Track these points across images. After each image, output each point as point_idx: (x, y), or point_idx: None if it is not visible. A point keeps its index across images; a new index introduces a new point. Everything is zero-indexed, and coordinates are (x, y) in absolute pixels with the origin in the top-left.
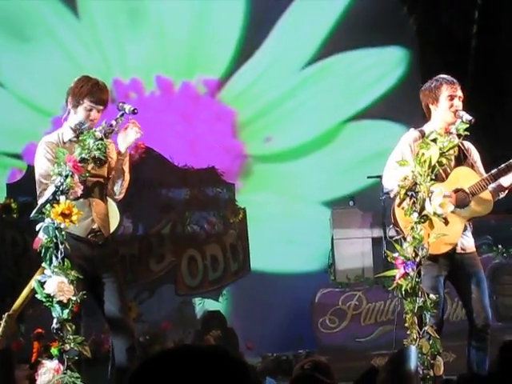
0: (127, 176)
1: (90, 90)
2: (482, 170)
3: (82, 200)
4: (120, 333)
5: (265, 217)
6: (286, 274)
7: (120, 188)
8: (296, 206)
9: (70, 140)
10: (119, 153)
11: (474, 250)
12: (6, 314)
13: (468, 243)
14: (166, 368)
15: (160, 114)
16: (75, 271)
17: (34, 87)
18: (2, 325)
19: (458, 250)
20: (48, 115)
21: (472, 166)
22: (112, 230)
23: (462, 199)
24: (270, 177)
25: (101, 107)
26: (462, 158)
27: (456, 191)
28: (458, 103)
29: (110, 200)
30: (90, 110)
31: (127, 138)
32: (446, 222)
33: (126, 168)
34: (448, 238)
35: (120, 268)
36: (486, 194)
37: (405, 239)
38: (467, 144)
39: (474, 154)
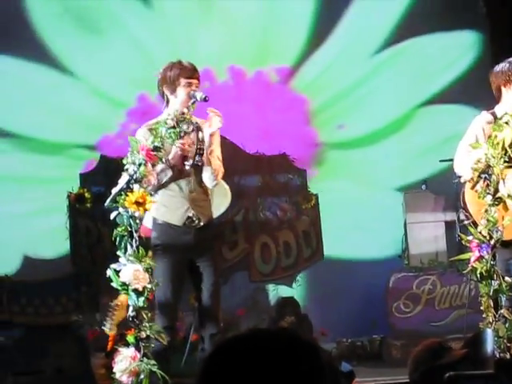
0: (216, 164)
1: (180, 69)
2: None
3: (176, 189)
4: (207, 319)
5: (338, 204)
6: (359, 261)
7: (210, 176)
8: (369, 192)
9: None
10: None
11: None
12: (115, 302)
13: None
14: (238, 351)
15: (233, 103)
16: (150, 259)
17: (107, 79)
18: (113, 313)
19: None
20: (122, 106)
21: None
22: (218, 213)
23: None
24: (343, 164)
25: (196, 80)
26: None
27: None
28: None
29: (221, 183)
30: (189, 85)
31: (210, 127)
32: None
33: (214, 157)
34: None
35: (217, 252)
36: None
37: (475, 224)
38: None
39: None
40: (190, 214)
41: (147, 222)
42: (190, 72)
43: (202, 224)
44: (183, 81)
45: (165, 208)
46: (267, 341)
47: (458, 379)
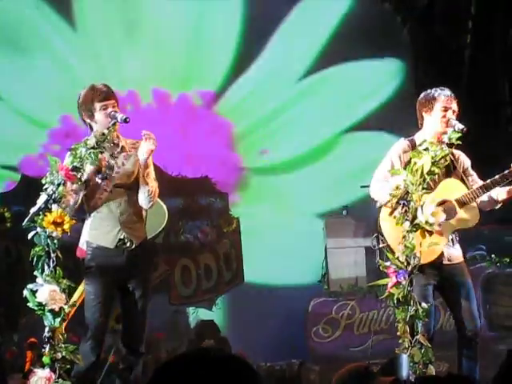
0: (151, 186)
1: (92, 94)
2: (474, 175)
3: (106, 211)
4: (133, 340)
5: (261, 229)
6: (279, 286)
7: (145, 197)
8: (291, 218)
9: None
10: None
11: (462, 260)
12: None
13: (454, 254)
14: (181, 373)
15: (156, 126)
16: (67, 280)
17: (30, 99)
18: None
19: (445, 262)
20: (44, 127)
21: (464, 174)
22: (153, 233)
23: (448, 210)
24: (266, 189)
25: (112, 101)
26: (451, 168)
27: (442, 202)
28: (452, 116)
29: (159, 203)
30: (105, 108)
31: (142, 149)
32: (430, 233)
33: (150, 178)
34: (433, 249)
35: (150, 274)
36: (473, 206)
37: (390, 248)
38: (457, 152)
39: (465, 161)
40: (122, 237)
41: (83, 244)
42: (104, 94)
43: (133, 246)
44: (98, 105)
45: (96, 231)
46: (212, 363)
47: None
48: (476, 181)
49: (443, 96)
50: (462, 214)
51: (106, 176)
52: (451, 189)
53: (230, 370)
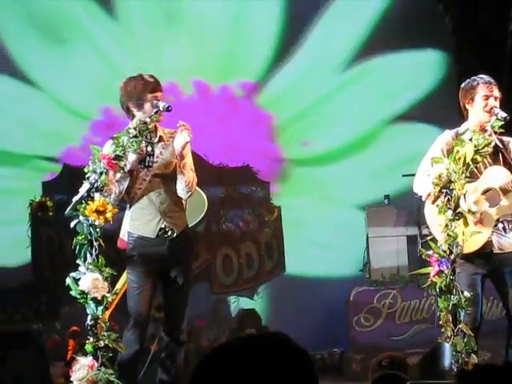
0: (188, 176)
1: (143, 84)
2: None
3: (146, 202)
4: (174, 328)
5: (302, 220)
6: (321, 278)
7: (183, 188)
8: (333, 209)
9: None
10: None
11: None
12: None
13: (506, 242)
14: (232, 356)
15: (197, 117)
16: (109, 268)
17: (71, 90)
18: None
19: (496, 251)
20: (85, 118)
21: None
22: (193, 222)
23: (492, 198)
24: (307, 181)
25: (161, 93)
26: (499, 156)
27: (486, 191)
28: (494, 103)
29: (198, 192)
30: (155, 99)
31: (178, 140)
32: (474, 221)
33: (186, 169)
34: (477, 237)
35: (191, 262)
36: None
37: (435, 238)
38: (507, 139)
39: None
40: (163, 226)
41: (124, 236)
42: (155, 85)
43: (175, 235)
44: (149, 95)
45: (137, 222)
46: (261, 346)
47: None
48: None
49: (482, 84)
50: (505, 201)
51: (149, 164)
52: (496, 176)
53: (274, 353)
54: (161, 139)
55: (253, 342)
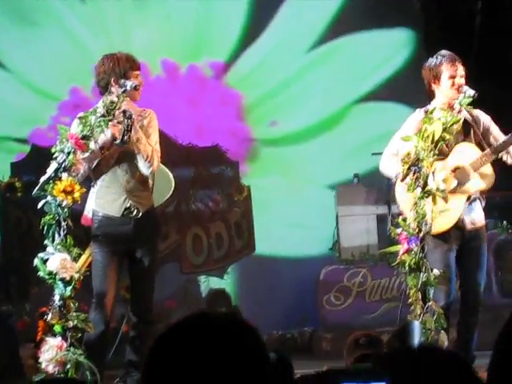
0: (145, 150)
1: (128, 63)
2: (495, 132)
3: (112, 179)
4: (141, 308)
5: (271, 200)
6: (291, 258)
7: (144, 164)
8: (302, 189)
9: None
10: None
11: (483, 224)
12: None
13: (477, 217)
14: (184, 337)
15: (166, 97)
16: (78, 248)
17: (40, 72)
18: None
19: (469, 226)
20: (54, 99)
21: (485, 133)
22: (162, 200)
23: (462, 176)
24: (276, 160)
25: (139, 71)
26: (470, 131)
27: (456, 168)
28: (460, 80)
29: (163, 170)
30: (137, 77)
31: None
32: (446, 199)
33: (141, 143)
34: (449, 215)
35: (157, 242)
36: (487, 169)
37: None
38: (476, 112)
39: (485, 120)
40: (128, 205)
41: (89, 212)
42: (138, 63)
43: (140, 214)
44: (133, 73)
45: (103, 200)
46: (215, 322)
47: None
48: (497, 138)
49: (446, 63)
50: (476, 178)
51: (125, 141)
52: (464, 153)
53: (230, 331)
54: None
55: (204, 320)
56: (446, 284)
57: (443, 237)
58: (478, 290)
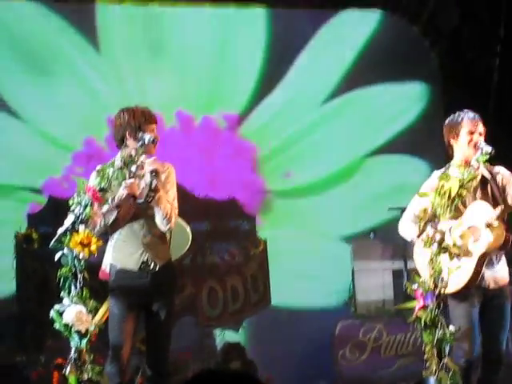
0: (165, 208)
1: (143, 117)
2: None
3: (129, 233)
4: (157, 361)
5: (285, 253)
6: (306, 310)
7: (161, 220)
8: (316, 241)
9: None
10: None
11: (507, 281)
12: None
13: (500, 275)
14: None
15: (180, 149)
16: (94, 301)
17: (54, 121)
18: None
19: (492, 285)
20: (68, 150)
21: (503, 189)
22: (179, 254)
23: (474, 234)
24: (290, 212)
25: (155, 125)
26: (487, 188)
27: (470, 227)
28: (478, 138)
29: (181, 224)
30: (152, 131)
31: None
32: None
33: (161, 202)
34: (465, 271)
35: (173, 296)
36: (498, 227)
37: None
38: (497, 169)
39: (504, 176)
40: (145, 259)
41: (106, 267)
42: (153, 117)
43: (157, 268)
44: (147, 127)
45: (120, 253)
46: (224, 380)
47: None
48: None
49: (467, 119)
50: (490, 236)
51: (149, 201)
52: (478, 212)
53: None
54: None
55: (213, 377)
56: (468, 340)
57: (465, 294)
58: (500, 348)
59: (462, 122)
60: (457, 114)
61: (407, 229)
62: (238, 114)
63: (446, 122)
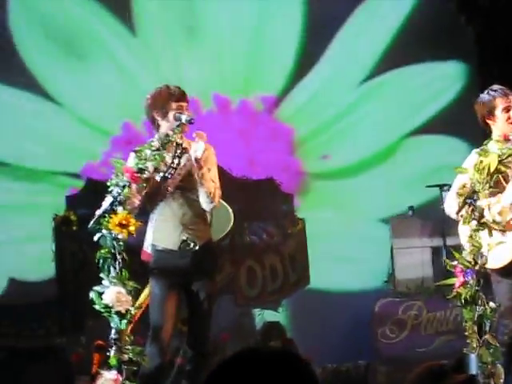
0: (208, 187)
1: (169, 94)
2: None
3: (169, 213)
4: (198, 341)
5: (323, 234)
6: (345, 292)
7: (205, 199)
8: (355, 222)
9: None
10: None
11: None
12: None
13: None
14: (235, 374)
15: (217, 132)
16: (133, 282)
17: (92, 106)
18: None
19: None
20: (106, 134)
21: None
22: (221, 235)
23: None
24: (328, 194)
25: (185, 103)
26: None
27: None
28: None
29: (223, 205)
30: (179, 108)
31: (194, 150)
32: (503, 232)
33: (206, 179)
34: (508, 248)
35: (214, 275)
36: None
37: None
38: None
39: None
40: (184, 238)
41: (147, 248)
42: (180, 95)
43: (197, 247)
44: (174, 104)
45: (160, 233)
46: (267, 362)
47: None
48: None
49: (499, 97)
50: None
51: (166, 176)
52: None
53: (282, 368)
54: (185, 150)
55: (254, 356)
56: (511, 317)
57: (507, 270)
58: None
59: (495, 100)
60: (487, 92)
61: (451, 206)
62: (275, 96)
63: (478, 100)
